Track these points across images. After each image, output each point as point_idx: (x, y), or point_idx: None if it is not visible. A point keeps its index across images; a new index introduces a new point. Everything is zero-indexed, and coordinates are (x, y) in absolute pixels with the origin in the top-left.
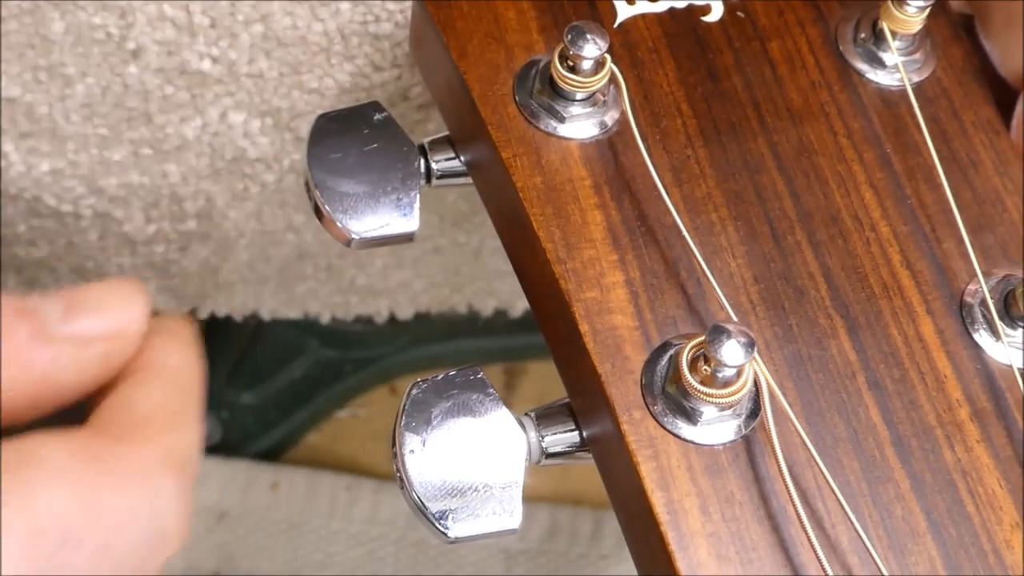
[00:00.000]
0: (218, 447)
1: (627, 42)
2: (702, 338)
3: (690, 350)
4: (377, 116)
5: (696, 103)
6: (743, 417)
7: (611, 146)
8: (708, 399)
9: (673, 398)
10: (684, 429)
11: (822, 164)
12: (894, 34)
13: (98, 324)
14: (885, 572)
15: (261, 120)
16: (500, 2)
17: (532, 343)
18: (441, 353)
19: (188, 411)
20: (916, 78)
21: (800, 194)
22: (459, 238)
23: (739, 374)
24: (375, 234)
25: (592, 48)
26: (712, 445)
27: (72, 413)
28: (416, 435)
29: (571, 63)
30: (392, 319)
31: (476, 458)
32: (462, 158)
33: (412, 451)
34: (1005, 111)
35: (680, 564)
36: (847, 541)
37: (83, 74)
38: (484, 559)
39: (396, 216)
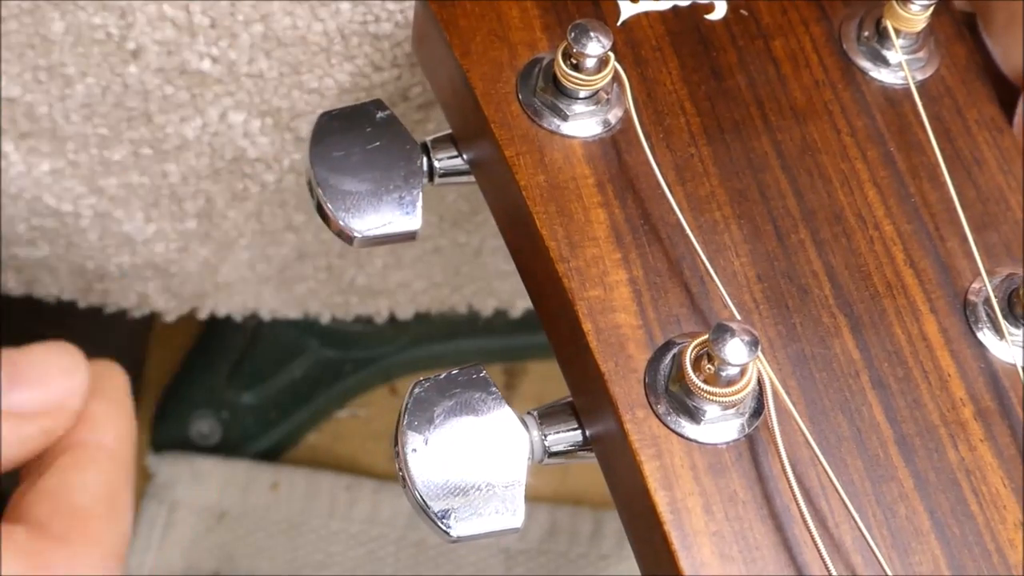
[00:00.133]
0: (218, 447)
1: (630, 40)
2: (706, 337)
3: (693, 349)
4: (380, 114)
5: (699, 101)
6: (746, 416)
7: (614, 144)
8: (711, 398)
9: (676, 397)
10: (687, 428)
11: (826, 162)
12: (898, 32)
13: (37, 397)
14: (889, 571)
15: (261, 120)
16: (503, 0)
17: (532, 343)
18: (441, 353)
19: (124, 494)
20: (920, 76)
21: (804, 193)
22: (459, 238)
23: (743, 373)
24: (378, 232)
25: (596, 46)
26: (715, 444)
27: None
28: (418, 434)
29: (574, 61)
30: (392, 319)
31: (478, 457)
32: (465, 156)
33: (414, 450)
34: (1008, 109)
35: (683, 563)
36: (850, 540)
37: (83, 74)
38: (484, 559)
39: (399, 214)
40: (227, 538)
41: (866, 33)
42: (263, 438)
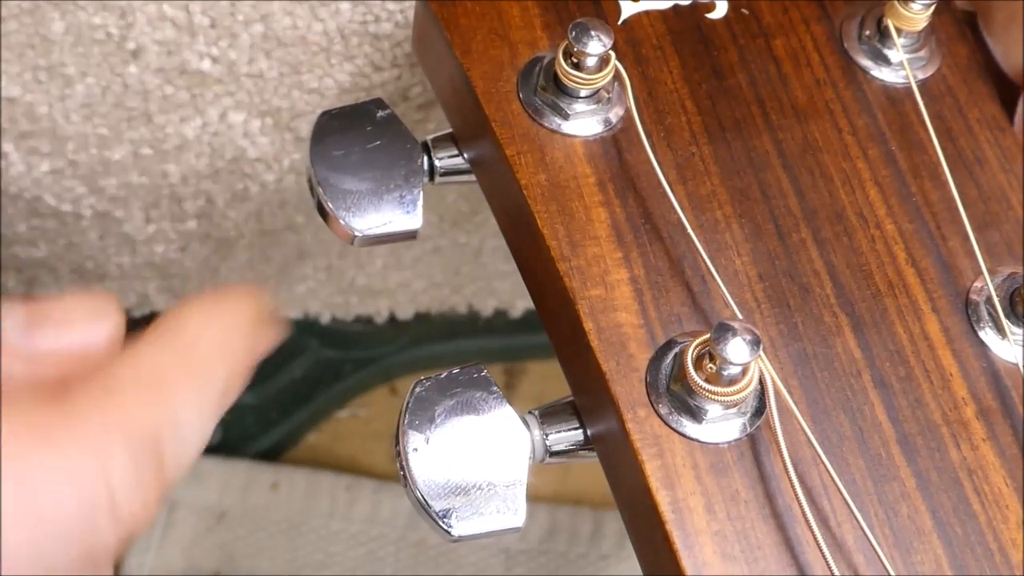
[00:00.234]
0: (218, 447)
1: (631, 39)
2: (707, 336)
3: (695, 348)
4: (380, 113)
5: (700, 100)
6: (748, 415)
7: (615, 143)
8: (713, 397)
9: (678, 396)
10: (689, 427)
11: (827, 161)
12: (899, 31)
13: (58, 340)
14: (891, 570)
15: (261, 120)
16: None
17: (532, 343)
18: (441, 353)
19: (186, 385)
20: (921, 75)
21: (805, 191)
22: (459, 238)
23: (744, 372)
24: (378, 231)
25: (597, 45)
26: (717, 443)
27: None
28: (420, 433)
29: (575, 60)
30: (392, 319)
31: (480, 456)
32: (465, 155)
33: (416, 449)
34: (1009, 108)
35: (685, 563)
36: (853, 540)
37: (83, 74)
38: (484, 559)
39: (399, 213)
40: (227, 538)
41: (867, 32)
42: (263, 438)
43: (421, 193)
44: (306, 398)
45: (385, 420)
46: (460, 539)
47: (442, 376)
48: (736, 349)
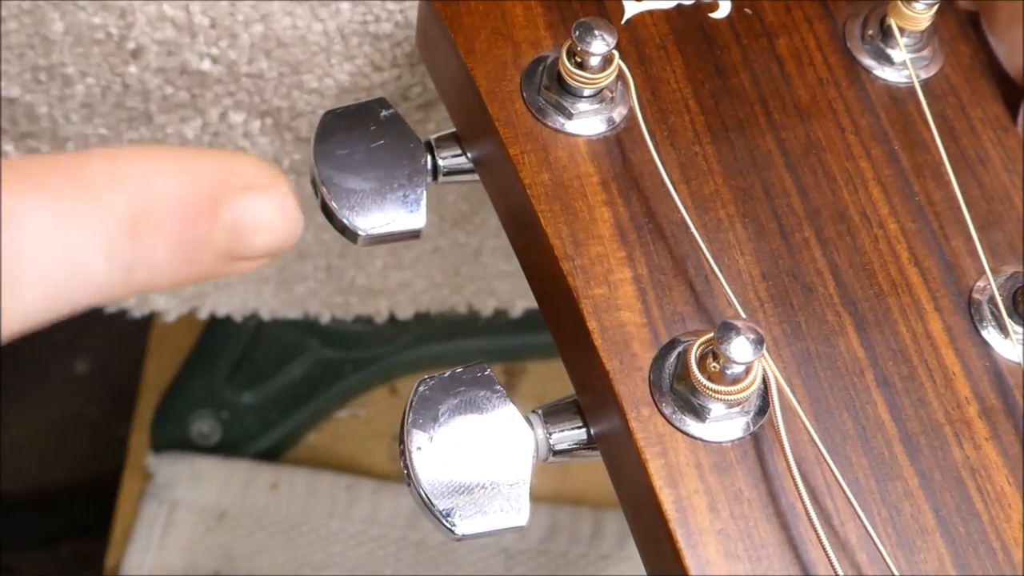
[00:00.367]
0: (218, 447)
1: (635, 39)
2: (711, 335)
3: (699, 347)
4: (384, 112)
5: (704, 100)
6: (751, 414)
7: (619, 143)
8: (717, 396)
9: (681, 395)
10: (692, 426)
11: (830, 161)
12: (902, 31)
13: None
14: (894, 570)
15: (261, 120)
16: None
17: (532, 343)
18: (441, 353)
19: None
20: (924, 75)
21: (808, 191)
22: (459, 238)
23: (748, 371)
24: (382, 231)
25: (600, 44)
26: (720, 442)
27: None
28: (423, 432)
29: (579, 59)
30: (392, 319)
31: (483, 455)
32: (469, 155)
33: (419, 448)
34: (1012, 108)
35: (689, 562)
36: (856, 539)
37: (83, 74)
38: (484, 559)
39: (403, 213)
40: (227, 538)
41: (870, 31)
42: (263, 438)
43: (425, 192)
44: (306, 398)
45: (385, 420)
46: (463, 538)
47: (445, 375)
48: (739, 348)
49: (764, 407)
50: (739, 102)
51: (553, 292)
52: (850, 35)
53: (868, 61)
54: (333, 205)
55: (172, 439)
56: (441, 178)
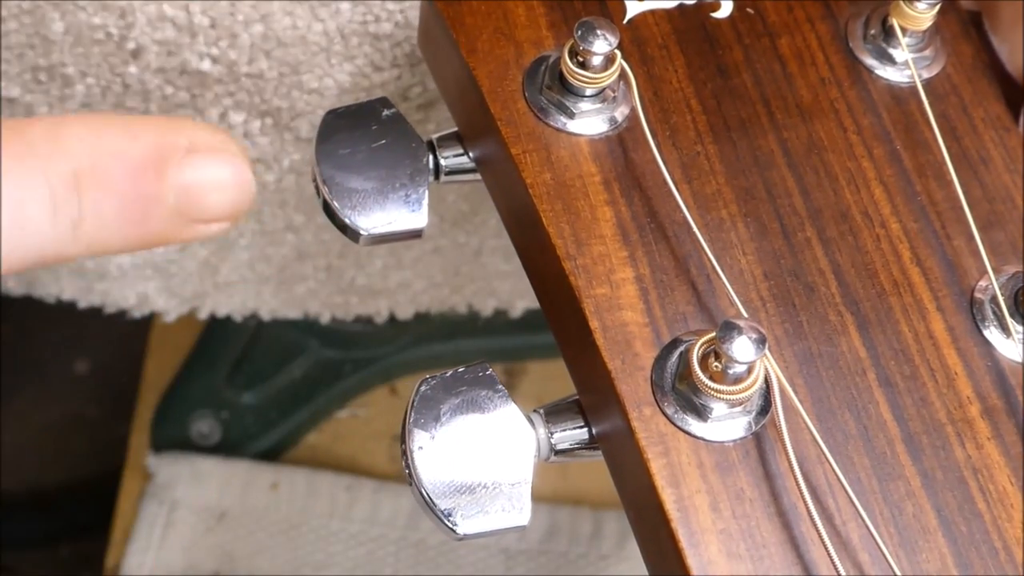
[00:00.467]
0: (218, 447)
1: (636, 38)
2: (713, 334)
3: (700, 346)
4: (386, 112)
5: (706, 99)
6: (753, 414)
7: (621, 142)
8: (718, 395)
9: (683, 395)
10: (694, 426)
11: (832, 161)
12: (904, 30)
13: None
14: (896, 569)
15: (261, 120)
16: None
17: (532, 343)
18: (441, 353)
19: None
20: (926, 74)
21: (810, 191)
22: (459, 238)
23: (750, 371)
24: (384, 230)
25: (602, 44)
26: (722, 442)
27: None
28: (425, 431)
29: (581, 59)
30: (392, 319)
31: (485, 454)
32: (471, 154)
33: (421, 447)
34: (1014, 108)
35: (691, 561)
36: (858, 538)
37: (83, 74)
38: (484, 559)
39: (405, 212)
40: (227, 538)
41: (872, 31)
42: (263, 438)
43: (427, 192)
44: (306, 398)
45: (385, 420)
46: (465, 538)
47: (447, 375)
48: (741, 348)
49: (766, 407)
50: (741, 102)
51: (555, 292)
52: (852, 35)
53: (870, 61)
54: (335, 204)
55: (172, 439)
56: (443, 178)
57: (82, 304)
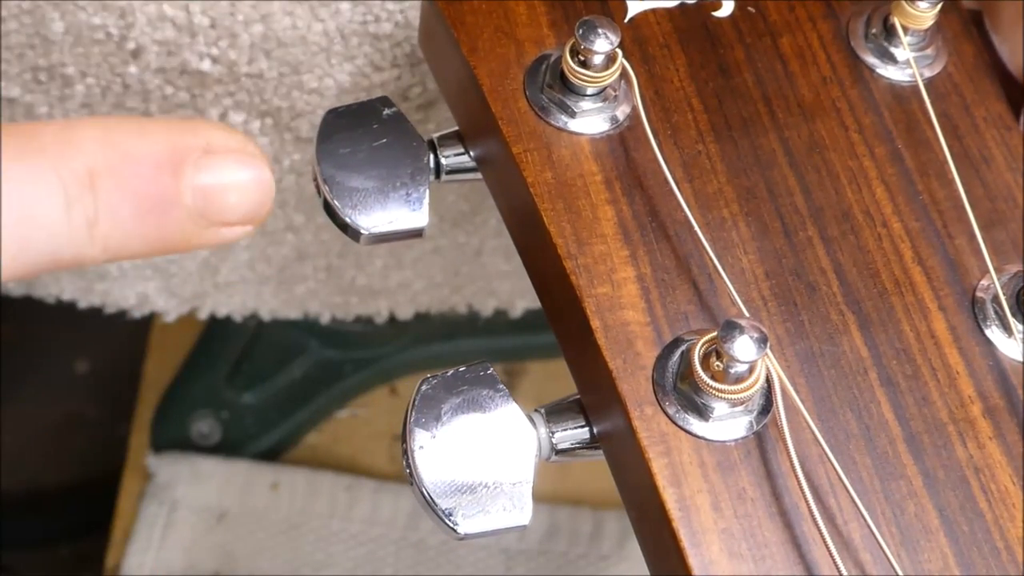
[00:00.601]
0: (218, 447)
1: (638, 37)
2: (714, 334)
3: (702, 346)
4: (387, 111)
5: (707, 98)
6: (755, 413)
7: (622, 141)
8: (720, 395)
9: (685, 394)
10: (696, 425)
11: (833, 160)
12: (906, 29)
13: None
14: (898, 569)
15: (261, 120)
16: None
17: (532, 343)
18: (441, 353)
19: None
20: (928, 73)
21: (811, 190)
22: (459, 238)
23: (751, 370)
24: (384, 229)
25: (603, 43)
26: (724, 441)
27: None
28: (426, 431)
29: (582, 58)
30: (392, 319)
31: (486, 454)
32: (472, 153)
33: (422, 447)
34: (1015, 107)
35: (692, 561)
36: (859, 538)
37: (83, 74)
38: (484, 559)
39: (405, 211)
40: (227, 538)
41: (874, 30)
42: (263, 438)
43: (427, 191)
44: (306, 398)
45: (385, 420)
46: (466, 537)
47: (448, 374)
48: (743, 347)
49: (767, 406)
50: (743, 101)
51: (556, 291)
52: (854, 34)
53: (872, 60)
54: (336, 204)
55: (172, 439)
56: (444, 177)
57: (82, 304)
